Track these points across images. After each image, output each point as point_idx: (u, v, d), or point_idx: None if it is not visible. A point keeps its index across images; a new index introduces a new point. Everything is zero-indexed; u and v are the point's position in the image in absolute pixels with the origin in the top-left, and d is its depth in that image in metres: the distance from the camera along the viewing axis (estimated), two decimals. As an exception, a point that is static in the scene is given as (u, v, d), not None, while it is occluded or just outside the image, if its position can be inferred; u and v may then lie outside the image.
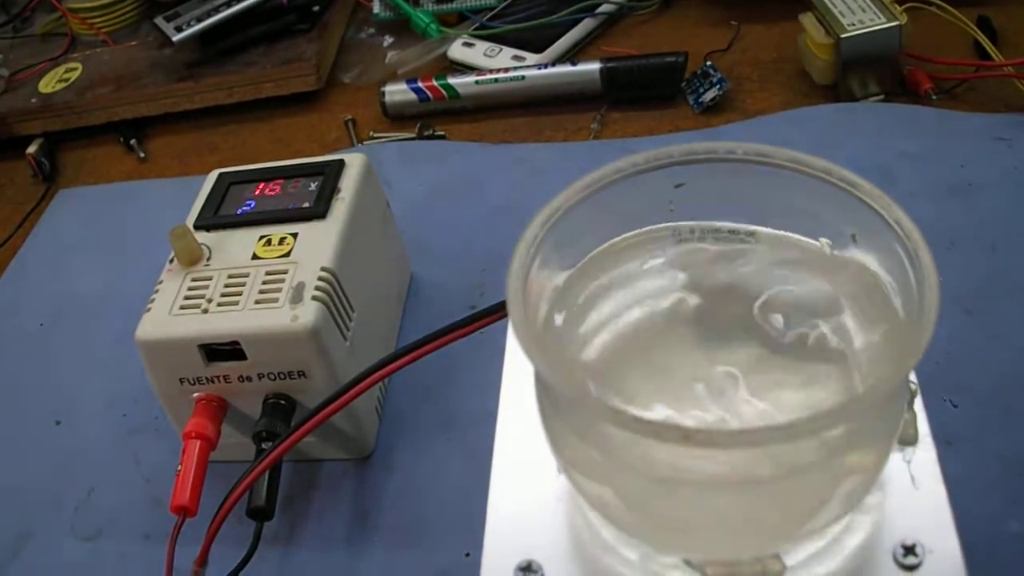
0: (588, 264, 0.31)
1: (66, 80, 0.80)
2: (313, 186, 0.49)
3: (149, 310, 0.45)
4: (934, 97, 0.61)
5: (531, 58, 0.71)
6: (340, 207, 0.48)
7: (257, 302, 0.44)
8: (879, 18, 0.59)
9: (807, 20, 0.62)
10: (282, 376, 0.44)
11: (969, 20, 0.62)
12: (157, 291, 0.46)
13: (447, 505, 0.45)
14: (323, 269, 0.44)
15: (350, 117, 0.73)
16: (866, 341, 0.28)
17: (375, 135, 0.71)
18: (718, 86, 0.64)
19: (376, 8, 0.79)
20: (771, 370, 0.29)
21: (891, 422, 0.26)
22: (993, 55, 0.61)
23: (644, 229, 0.31)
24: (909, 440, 0.30)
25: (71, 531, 0.48)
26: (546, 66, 0.69)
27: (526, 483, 0.31)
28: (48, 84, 0.80)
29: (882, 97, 0.61)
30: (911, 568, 0.27)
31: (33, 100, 0.79)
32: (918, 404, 0.30)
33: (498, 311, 0.36)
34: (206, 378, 0.44)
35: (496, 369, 0.34)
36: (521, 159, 0.64)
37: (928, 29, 0.62)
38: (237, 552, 0.42)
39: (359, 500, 0.46)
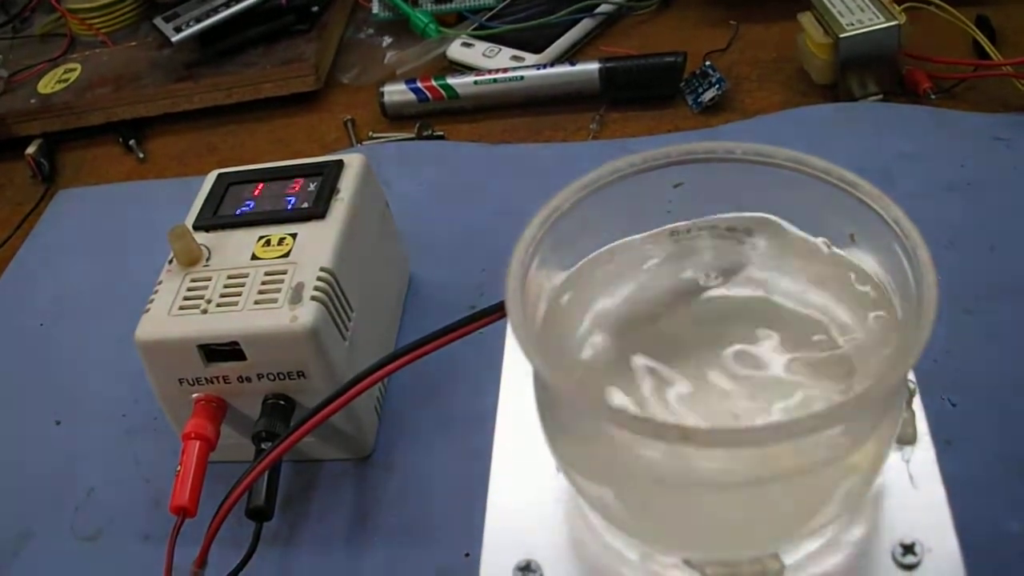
0: (587, 264, 0.31)
1: (65, 81, 0.80)
2: (312, 186, 0.49)
3: (148, 310, 0.45)
4: (933, 97, 0.61)
5: (530, 58, 0.71)
6: (339, 207, 0.48)
7: (256, 302, 0.44)
8: (878, 18, 0.59)
9: (806, 20, 0.62)
10: (281, 376, 0.44)
11: (968, 19, 0.62)
12: (156, 291, 0.46)
13: (447, 505, 0.45)
14: (322, 269, 0.45)
15: (349, 117, 0.73)
16: (865, 339, 0.28)
17: (374, 135, 0.71)
18: (717, 86, 0.64)
19: (375, 8, 0.79)
20: (771, 369, 0.29)
21: (890, 421, 0.26)
22: (992, 54, 0.61)
23: (643, 229, 0.31)
24: (908, 439, 0.30)
25: (71, 531, 0.48)
26: (545, 66, 0.69)
27: (525, 483, 0.31)
28: (47, 85, 0.80)
29: (881, 97, 0.61)
30: (910, 567, 0.27)
31: (32, 101, 0.79)
32: (917, 403, 0.30)
33: (497, 311, 0.36)
34: (205, 378, 0.44)
35: (495, 369, 0.34)
36: (520, 159, 0.64)
37: (927, 29, 0.62)
38: (236, 552, 0.42)
39: (359, 500, 0.46)
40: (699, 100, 0.65)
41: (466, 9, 0.77)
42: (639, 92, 0.67)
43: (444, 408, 0.49)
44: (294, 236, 0.46)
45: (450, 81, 0.70)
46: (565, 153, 0.64)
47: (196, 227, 0.48)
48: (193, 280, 0.46)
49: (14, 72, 0.83)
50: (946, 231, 0.51)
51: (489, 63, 0.72)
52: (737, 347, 0.29)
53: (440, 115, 0.71)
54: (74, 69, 0.81)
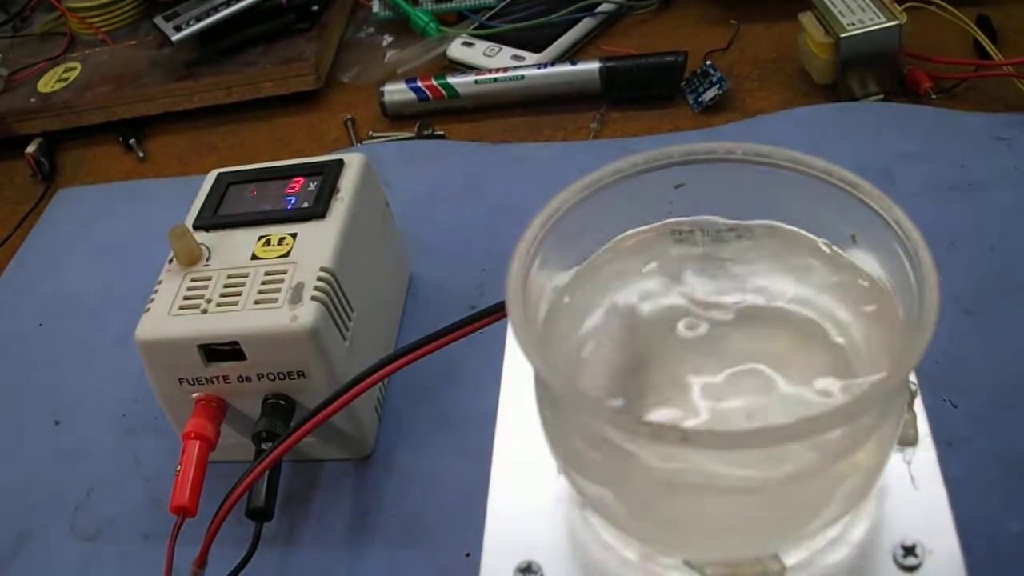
0: (588, 264, 0.31)
1: (65, 80, 0.80)
2: (312, 186, 0.49)
3: (148, 310, 0.45)
4: (934, 96, 0.61)
5: (530, 57, 0.71)
6: (339, 207, 0.48)
7: (256, 302, 0.44)
8: (879, 17, 0.59)
9: (807, 19, 0.62)
10: (281, 376, 0.44)
11: (969, 19, 0.62)
12: (156, 291, 0.46)
13: (447, 505, 0.45)
14: (322, 269, 0.44)
15: (349, 117, 0.73)
16: (866, 340, 0.28)
17: (374, 135, 0.71)
18: (718, 85, 0.64)
19: (375, 7, 0.79)
20: (772, 369, 0.29)
21: (891, 422, 0.26)
22: (993, 54, 0.61)
23: (643, 228, 0.31)
24: (909, 441, 0.30)
25: (71, 531, 0.48)
26: (545, 65, 0.69)
27: (526, 484, 0.31)
28: (47, 84, 0.80)
29: (882, 97, 0.61)
30: (911, 569, 0.27)
31: (32, 100, 0.79)
32: (918, 404, 0.30)
33: (498, 311, 0.36)
34: (205, 378, 0.44)
35: (496, 369, 0.34)
36: (520, 159, 0.64)
37: (928, 28, 0.62)
38: (237, 552, 0.42)
39: (359, 500, 0.46)
40: (700, 100, 0.65)
41: (466, 8, 0.77)
42: (640, 92, 0.67)
43: (444, 408, 0.49)
44: (294, 236, 0.46)
45: (450, 80, 0.70)
46: (565, 153, 0.64)
47: (196, 227, 0.48)
48: (193, 280, 0.46)
49: (14, 71, 0.83)
50: (947, 231, 0.51)
51: (489, 62, 0.72)
52: (738, 348, 0.29)
53: (440, 114, 0.71)
54: (74, 68, 0.81)
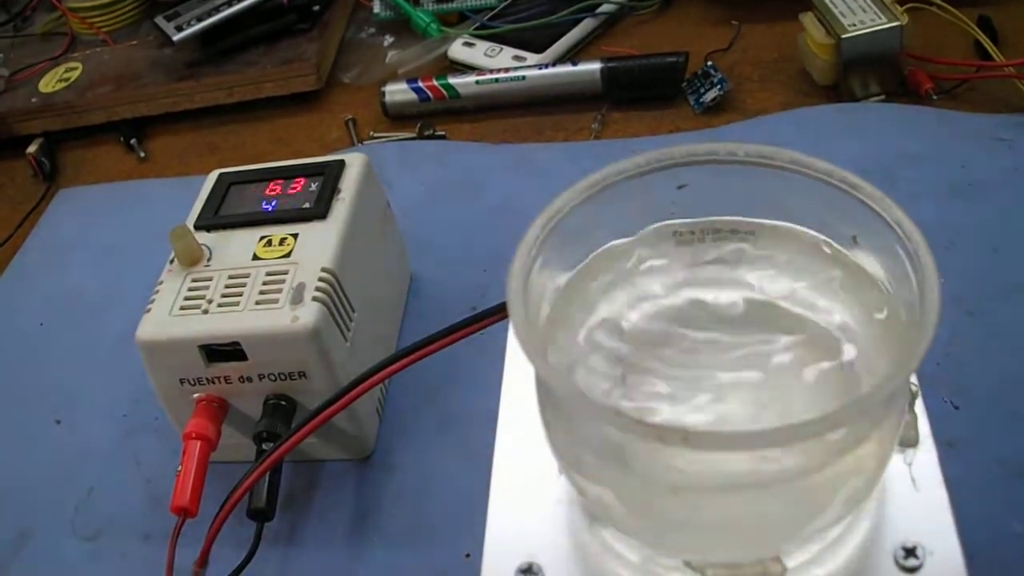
0: (589, 265, 0.31)
1: (66, 80, 0.80)
2: (313, 186, 0.49)
3: (149, 310, 0.45)
4: (935, 97, 0.61)
5: (532, 58, 0.71)
6: (340, 207, 0.48)
7: (257, 303, 0.44)
8: (880, 18, 0.59)
9: (808, 20, 0.62)
10: (283, 377, 0.44)
11: (970, 20, 0.62)
12: (157, 291, 0.46)
13: (448, 506, 0.45)
14: (323, 270, 0.44)
15: (350, 117, 0.73)
16: (867, 341, 0.28)
17: (375, 135, 0.71)
18: (719, 86, 0.64)
19: (376, 8, 0.79)
20: (773, 370, 0.29)
21: (892, 424, 0.26)
22: (994, 55, 0.61)
23: (645, 230, 0.31)
24: (910, 442, 0.30)
25: (71, 531, 0.48)
26: (547, 66, 0.69)
27: (527, 484, 0.31)
28: (48, 84, 0.80)
29: (883, 97, 0.61)
30: (912, 570, 0.27)
31: (33, 100, 0.79)
32: (919, 406, 0.30)
33: (499, 312, 0.36)
34: (206, 379, 0.44)
35: (497, 370, 0.34)
36: (522, 159, 0.64)
37: (929, 29, 0.62)
38: (237, 553, 0.42)
39: (360, 501, 0.46)
40: (701, 100, 0.65)
41: (467, 9, 0.77)
42: (641, 92, 0.67)
43: (445, 409, 0.49)
44: (295, 236, 0.46)
45: (451, 81, 0.70)
46: (567, 153, 0.64)
47: (197, 227, 0.48)
48: (194, 280, 0.46)
49: (15, 71, 0.83)
50: (948, 232, 0.51)
51: (490, 63, 0.72)
52: (740, 349, 0.29)
53: (441, 115, 0.71)
54: (75, 68, 0.81)
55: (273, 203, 0.49)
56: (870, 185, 0.27)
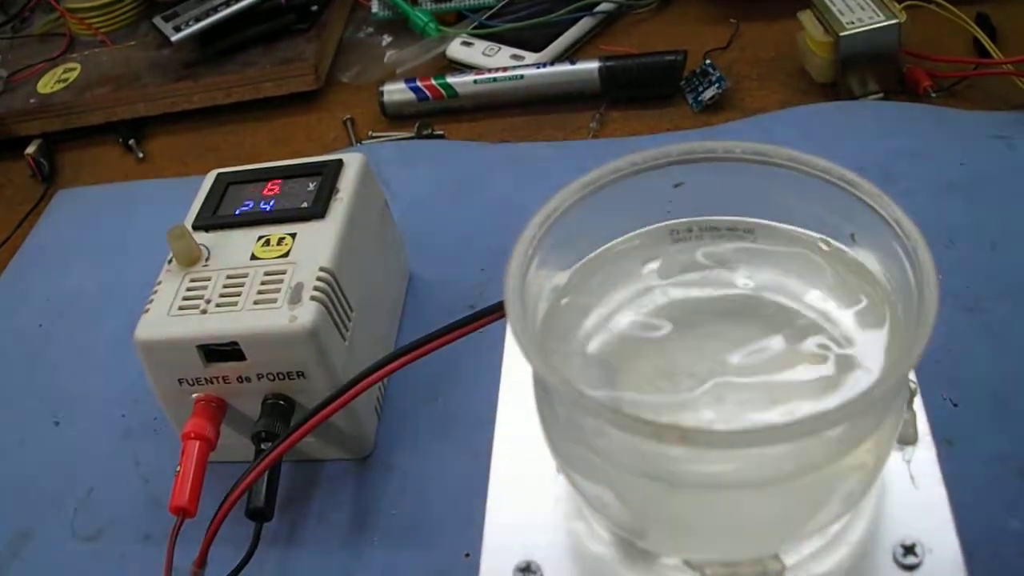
0: (586, 264, 0.31)
1: (65, 80, 0.80)
2: (312, 186, 0.49)
3: (148, 311, 0.45)
4: (933, 95, 0.61)
5: (530, 57, 0.71)
6: (339, 207, 0.48)
7: (256, 302, 0.44)
8: (878, 16, 0.59)
9: (806, 18, 0.62)
10: (281, 376, 0.44)
11: (968, 18, 0.62)
12: (156, 291, 0.46)
13: (446, 505, 0.45)
14: (322, 269, 0.44)
15: (349, 117, 0.73)
16: (865, 339, 0.28)
17: (374, 134, 0.71)
18: (717, 85, 0.64)
19: (375, 7, 0.79)
20: (771, 368, 0.29)
21: (891, 421, 0.26)
22: (992, 53, 0.61)
23: (643, 228, 0.31)
24: (909, 439, 0.30)
25: (71, 531, 0.48)
26: (545, 65, 0.69)
27: (525, 483, 0.31)
28: (47, 84, 0.80)
29: (881, 95, 0.61)
30: (911, 568, 0.27)
31: (32, 100, 0.79)
32: (918, 403, 0.30)
33: (497, 311, 0.36)
34: (205, 379, 0.44)
35: (495, 369, 0.34)
36: (520, 158, 0.64)
37: (927, 27, 0.62)
38: (236, 553, 0.42)
39: (358, 500, 0.46)
40: (699, 99, 0.65)
41: (466, 8, 0.77)
42: (639, 91, 0.67)
43: (444, 408, 0.49)
44: (293, 236, 0.46)
45: (450, 80, 0.70)
46: (565, 152, 0.64)
47: (195, 227, 0.48)
48: (192, 280, 0.46)
49: (13, 72, 0.83)
50: (946, 230, 0.51)
51: (489, 62, 0.72)
52: (738, 348, 0.29)
53: (440, 114, 0.71)
54: (73, 69, 0.81)
55: (271, 203, 0.49)
56: (868, 183, 0.27)
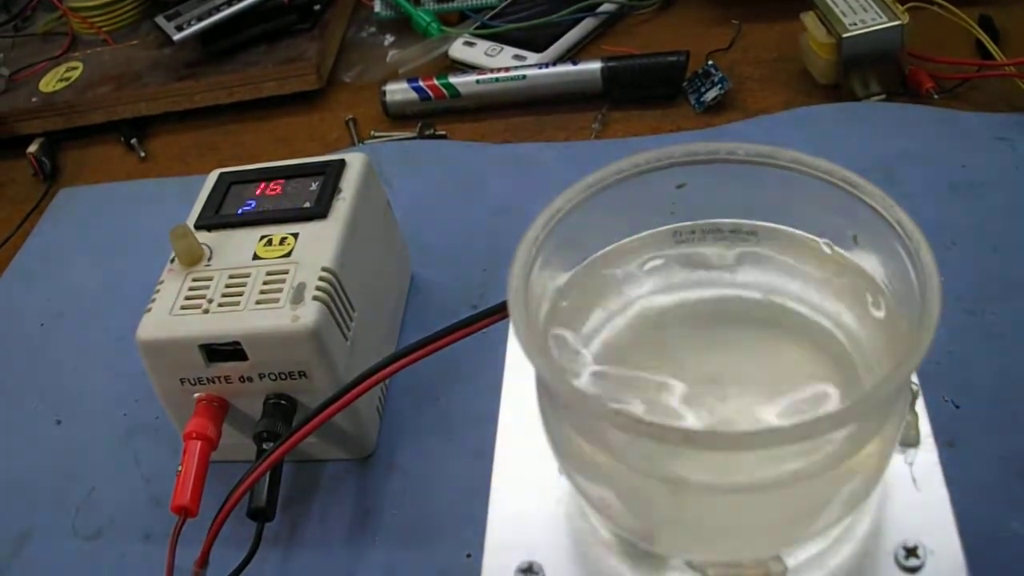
0: (589, 265, 0.31)
1: (67, 79, 0.80)
2: (314, 186, 0.49)
3: (150, 310, 0.45)
4: (936, 97, 0.61)
5: (532, 57, 0.71)
6: (341, 207, 0.48)
7: (258, 302, 0.44)
8: (881, 17, 0.59)
9: (809, 19, 0.62)
10: (283, 376, 0.44)
11: (971, 19, 0.62)
12: (158, 291, 0.46)
13: (448, 506, 0.45)
14: (324, 269, 0.44)
15: (351, 116, 0.73)
16: (868, 341, 0.28)
17: (376, 134, 0.71)
18: (719, 85, 0.64)
19: (377, 7, 0.79)
20: (774, 370, 0.29)
21: (893, 423, 0.26)
22: (995, 54, 0.61)
23: (646, 230, 0.31)
24: (911, 441, 0.30)
25: (71, 531, 0.48)
26: (547, 65, 0.69)
27: (527, 484, 0.31)
28: (49, 83, 0.80)
29: (884, 96, 0.61)
30: (913, 570, 0.27)
31: (34, 99, 0.79)
32: (920, 405, 0.30)
33: (499, 311, 0.36)
34: (207, 378, 0.44)
35: (497, 370, 0.34)
36: (522, 159, 0.64)
37: (930, 28, 0.62)
38: (238, 553, 0.42)
39: (360, 500, 0.46)
40: (702, 100, 0.65)
41: (468, 8, 0.77)
42: (641, 91, 0.67)
43: (446, 408, 0.49)
44: (296, 236, 0.46)
45: (452, 80, 0.70)
46: (567, 153, 0.64)
47: (198, 226, 0.48)
48: (195, 280, 0.46)
49: (16, 70, 0.83)
50: (949, 231, 0.51)
51: (491, 62, 0.72)
52: (741, 349, 0.29)
53: (442, 114, 0.71)
54: (76, 68, 0.81)
55: (273, 203, 0.49)
56: (871, 184, 0.27)
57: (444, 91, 0.70)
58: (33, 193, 0.74)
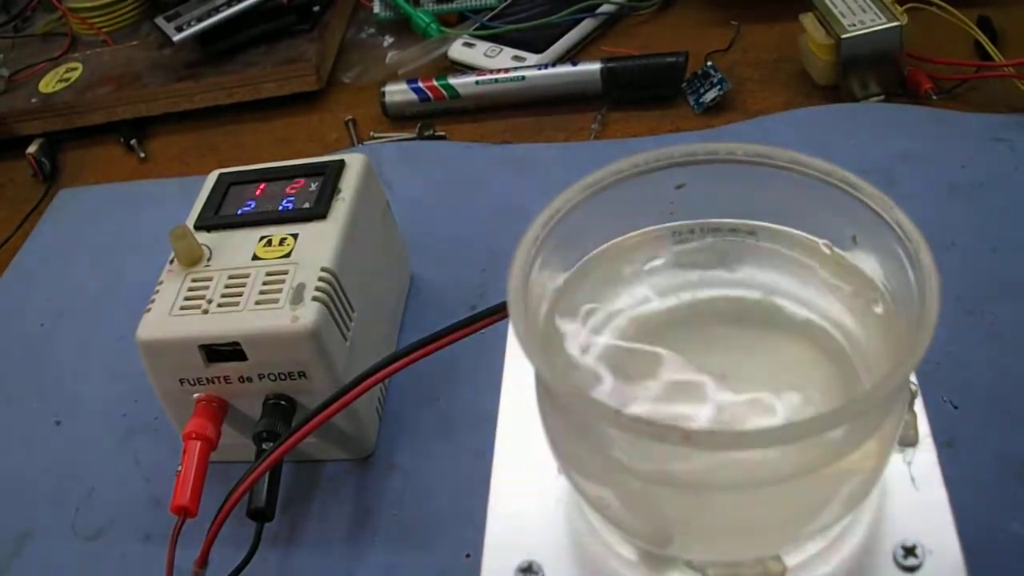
0: (589, 265, 0.31)
1: (66, 80, 0.80)
2: (313, 186, 0.49)
3: (149, 310, 0.45)
4: (935, 97, 0.61)
5: (531, 58, 0.71)
6: (340, 207, 0.48)
7: (257, 303, 0.44)
8: (880, 18, 0.59)
9: (808, 20, 0.62)
10: (282, 377, 0.44)
11: (970, 20, 0.62)
12: (157, 291, 0.46)
13: (447, 506, 0.45)
14: (323, 270, 0.44)
15: (350, 117, 0.73)
16: (866, 341, 0.28)
17: (375, 135, 0.71)
18: (719, 86, 0.64)
19: (376, 8, 0.79)
20: (773, 369, 0.29)
21: (892, 423, 0.26)
22: (994, 55, 0.61)
23: (645, 230, 0.31)
24: (909, 441, 0.30)
25: (71, 531, 0.48)
26: (546, 66, 0.69)
27: (526, 484, 0.31)
28: (48, 84, 0.80)
29: (883, 97, 0.61)
30: (911, 569, 0.27)
31: (33, 100, 0.79)
32: (918, 405, 0.30)
33: (499, 312, 0.36)
34: (206, 379, 0.44)
35: (497, 370, 0.34)
36: (522, 159, 0.64)
37: (929, 29, 0.62)
38: (237, 553, 0.42)
39: (359, 501, 0.46)
40: (701, 100, 0.65)
41: (467, 9, 0.77)
42: (641, 92, 0.67)
43: (445, 409, 0.49)
44: (295, 236, 0.46)
45: (451, 81, 0.70)
46: (567, 153, 0.64)
47: (197, 227, 0.48)
48: (194, 280, 0.46)
49: (15, 71, 0.83)
50: (948, 232, 0.51)
51: (490, 63, 0.72)
52: (739, 349, 0.29)
53: (441, 115, 0.71)
54: (75, 68, 0.81)
55: (273, 203, 0.49)
56: (870, 185, 0.27)
57: (443, 92, 0.70)
58: (33, 194, 0.74)
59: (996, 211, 0.52)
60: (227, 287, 0.45)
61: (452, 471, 0.46)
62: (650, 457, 0.25)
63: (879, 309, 0.28)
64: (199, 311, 0.44)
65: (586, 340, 0.30)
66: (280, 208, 0.48)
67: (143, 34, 0.84)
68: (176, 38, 0.76)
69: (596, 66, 0.67)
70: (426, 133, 0.69)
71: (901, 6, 0.60)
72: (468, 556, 0.42)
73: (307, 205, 0.48)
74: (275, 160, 0.52)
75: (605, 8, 0.75)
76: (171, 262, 0.47)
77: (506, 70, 0.69)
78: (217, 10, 0.76)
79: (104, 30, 0.85)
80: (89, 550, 0.47)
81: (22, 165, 0.76)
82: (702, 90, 0.65)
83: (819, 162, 0.28)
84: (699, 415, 0.27)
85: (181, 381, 0.45)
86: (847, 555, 0.28)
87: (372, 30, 0.82)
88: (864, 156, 0.56)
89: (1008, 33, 0.63)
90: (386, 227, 0.53)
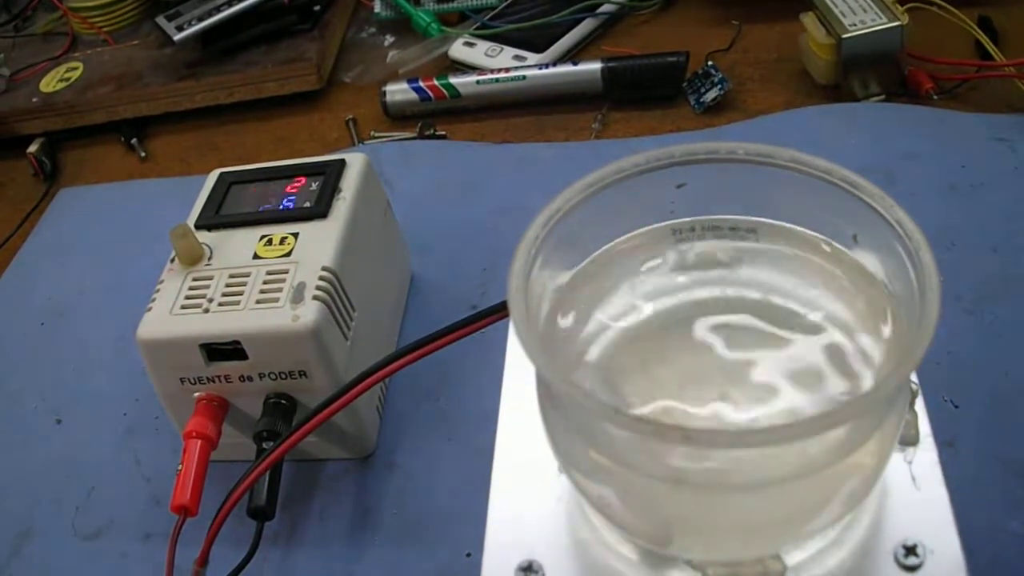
0: (589, 264, 0.31)
1: (67, 79, 0.80)
2: (314, 186, 0.49)
3: (150, 310, 0.45)
4: (935, 97, 0.61)
5: (532, 58, 0.71)
6: (341, 207, 0.48)
7: (258, 302, 0.44)
8: (880, 18, 0.59)
9: (808, 20, 0.62)
10: (283, 376, 0.44)
11: (970, 20, 0.62)
12: (158, 291, 0.46)
13: (448, 505, 0.45)
14: (324, 269, 0.45)
15: (351, 117, 0.73)
16: (868, 340, 0.28)
17: (376, 135, 0.71)
18: (719, 86, 0.64)
19: (377, 7, 0.79)
20: (774, 368, 0.29)
21: (892, 422, 0.26)
22: (994, 55, 0.61)
23: (645, 229, 0.31)
24: (910, 440, 0.30)
25: (72, 530, 0.48)
26: (547, 66, 0.69)
27: (527, 483, 0.31)
28: (49, 83, 0.80)
29: (883, 97, 0.61)
30: (912, 568, 0.27)
31: (34, 99, 0.79)
32: (919, 404, 0.30)
33: (499, 311, 0.36)
34: (207, 378, 0.44)
35: (497, 369, 0.34)
36: (522, 159, 0.64)
37: (929, 29, 0.62)
38: (238, 552, 0.42)
39: (360, 500, 0.46)
40: (701, 100, 0.65)
41: (468, 8, 0.77)
42: (641, 92, 0.67)
43: (446, 408, 0.49)
44: (296, 235, 0.46)
45: (452, 80, 0.70)
46: (567, 153, 0.64)
47: (198, 226, 0.48)
48: (195, 279, 0.46)
49: (16, 71, 0.83)
50: (948, 232, 0.51)
51: (491, 62, 0.72)
52: (740, 348, 0.29)
53: (442, 114, 0.71)
54: (76, 68, 0.81)
55: (274, 202, 0.49)
56: (871, 184, 0.27)
57: (444, 91, 0.70)
58: (33, 193, 0.74)
59: (996, 211, 0.52)
60: (228, 286, 0.45)
61: (452, 470, 0.46)
62: (650, 456, 0.25)
63: (880, 309, 0.28)
64: (200, 310, 0.44)
65: (586, 338, 0.30)
66: (281, 207, 0.48)
67: (144, 33, 0.84)
68: (177, 37, 0.76)
69: (597, 66, 0.67)
70: (427, 132, 0.69)
71: (902, 6, 0.60)
72: (468, 555, 0.42)
73: (308, 204, 0.48)
74: (276, 159, 0.52)
75: (606, 8, 0.75)
76: (172, 261, 0.47)
77: (507, 69, 0.69)
78: (218, 9, 0.76)
79: (105, 29, 0.85)
80: (89, 549, 0.47)
81: (23, 164, 0.76)
82: (703, 90, 0.65)
83: (820, 161, 0.28)
84: (699, 414, 0.27)
85: (182, 380, 0.45)
86: (847, 554, 0.28)
87: (373, 29, 0.82)
88: (865, 156, 0.56)
89: (1009, 33, 0.63)
90: (387, 226, 0.53)
